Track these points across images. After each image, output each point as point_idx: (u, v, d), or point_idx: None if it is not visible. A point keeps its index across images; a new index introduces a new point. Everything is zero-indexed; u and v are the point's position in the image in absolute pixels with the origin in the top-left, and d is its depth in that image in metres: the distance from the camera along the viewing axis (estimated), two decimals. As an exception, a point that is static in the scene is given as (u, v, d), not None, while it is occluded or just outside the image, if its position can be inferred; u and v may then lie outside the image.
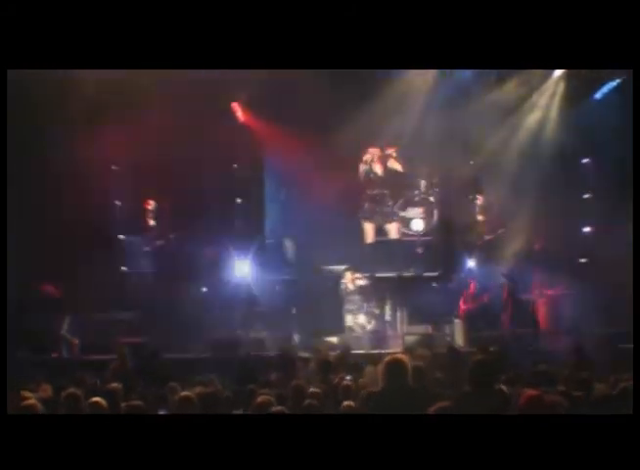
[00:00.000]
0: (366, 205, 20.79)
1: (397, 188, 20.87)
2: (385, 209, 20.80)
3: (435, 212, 21.36)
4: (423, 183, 21.52)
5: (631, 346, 16.38)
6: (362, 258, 21.40)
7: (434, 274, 22.61)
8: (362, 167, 20.62)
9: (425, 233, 21.65)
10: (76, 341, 20.84)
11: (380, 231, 20.88)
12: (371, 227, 21.14)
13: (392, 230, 21.30)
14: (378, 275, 22.26)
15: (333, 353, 15.82)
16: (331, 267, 22.56)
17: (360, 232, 21.54)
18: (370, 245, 21.64)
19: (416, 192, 21.14)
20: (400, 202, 20.99)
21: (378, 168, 20.74)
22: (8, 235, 14.77)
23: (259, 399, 9.38)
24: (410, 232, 21.60)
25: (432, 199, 21.53)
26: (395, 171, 20.98)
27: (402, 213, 21.42)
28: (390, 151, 20.82)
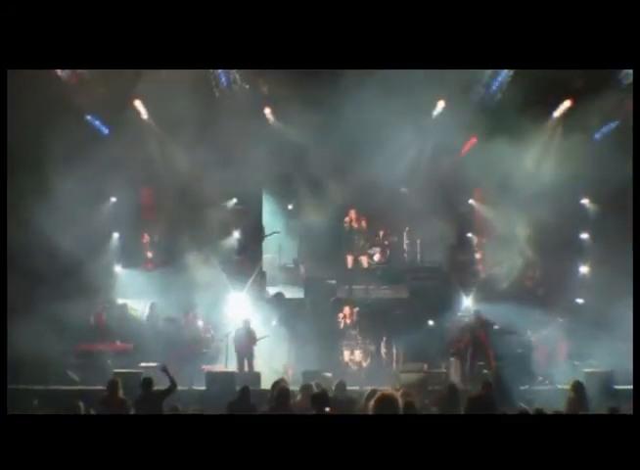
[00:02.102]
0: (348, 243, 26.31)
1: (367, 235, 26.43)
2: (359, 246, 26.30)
3: (388, 251, 26.61)
4: (381, 232, 26.65)
5: (625, 387, 16.72)
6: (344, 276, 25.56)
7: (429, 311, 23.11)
8: (346, 222, 26.05)
9: (381, 263, 26.31)
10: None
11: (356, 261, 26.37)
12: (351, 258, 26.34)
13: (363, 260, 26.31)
14: (375, 311, 23.35)
15: (327, 389, 14.98)
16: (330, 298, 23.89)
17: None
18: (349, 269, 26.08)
19: (377, 238, 26.55)
20: (367, 244, 26.43)
21: (355, 223, 26.09)
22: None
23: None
24: (372, 262, 26.18)
25: (386, 242, 26.64)
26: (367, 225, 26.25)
27: (369, 251, 26.39)
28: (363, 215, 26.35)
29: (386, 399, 7.74)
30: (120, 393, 14.46)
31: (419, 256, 26.69)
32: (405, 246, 26.87)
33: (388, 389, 11.14)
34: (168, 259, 24.14)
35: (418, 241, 26.48)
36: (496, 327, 21.70)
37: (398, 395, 7.99)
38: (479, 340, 21.19)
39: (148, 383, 15.01)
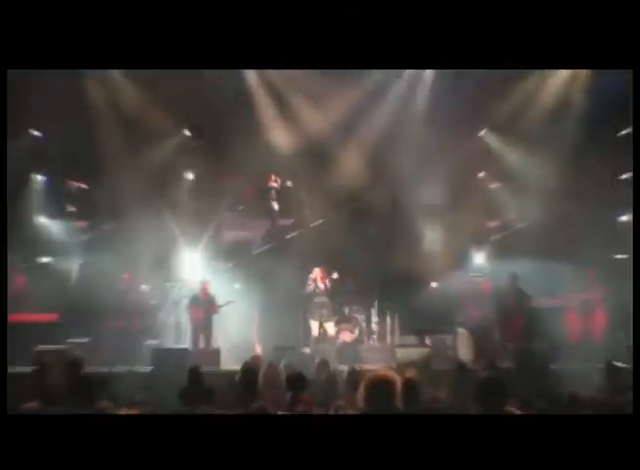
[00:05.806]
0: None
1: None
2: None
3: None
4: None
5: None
6: None
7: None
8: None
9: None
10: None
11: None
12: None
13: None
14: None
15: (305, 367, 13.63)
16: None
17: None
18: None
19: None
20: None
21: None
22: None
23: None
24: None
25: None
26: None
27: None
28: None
29: (379, 382, 7.38)
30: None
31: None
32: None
33: (379, 368, 11.06)
34: (103, 208, 21.74)
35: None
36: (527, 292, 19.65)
37: (395, 374, 7.66)
38: (509, 309, 19.33)
39: (74, 364, 13.05)
